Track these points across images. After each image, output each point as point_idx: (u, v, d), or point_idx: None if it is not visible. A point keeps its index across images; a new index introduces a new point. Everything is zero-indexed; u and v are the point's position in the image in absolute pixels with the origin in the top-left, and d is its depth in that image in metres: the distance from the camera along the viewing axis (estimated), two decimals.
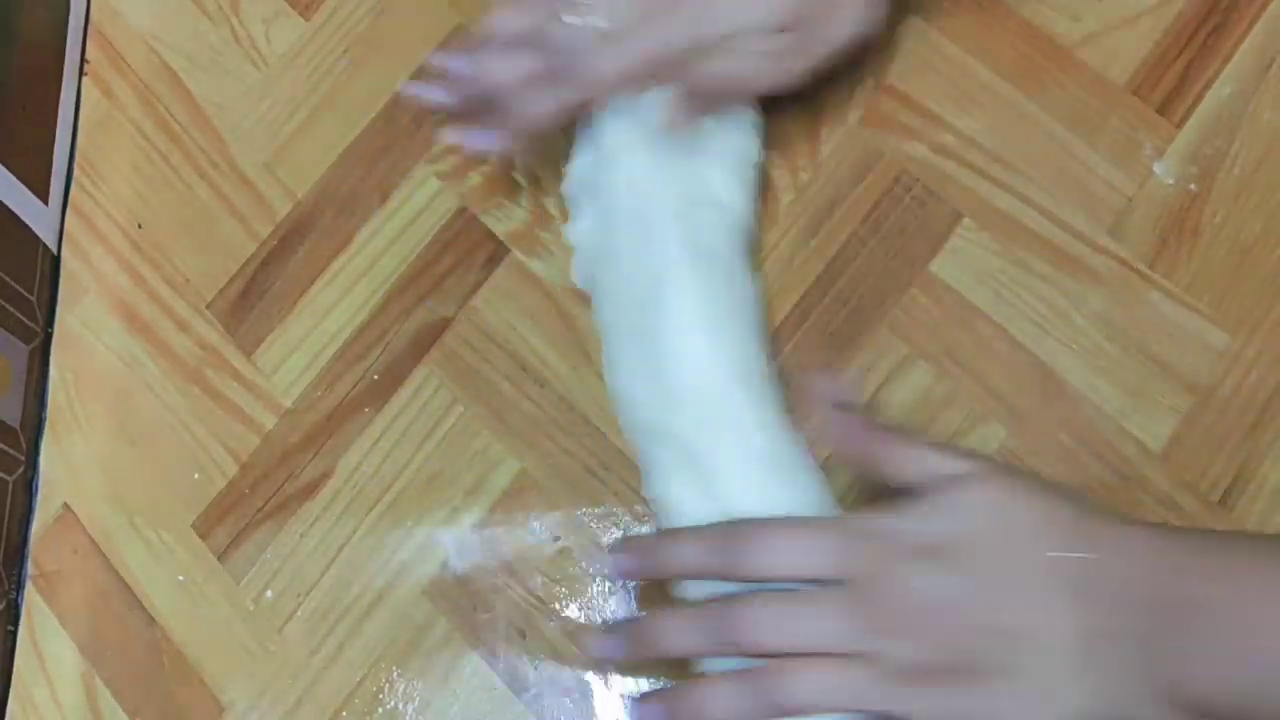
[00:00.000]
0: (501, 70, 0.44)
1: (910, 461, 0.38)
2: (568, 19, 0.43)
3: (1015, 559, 0.36)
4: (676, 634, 0.38)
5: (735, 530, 0.38)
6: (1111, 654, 0.34)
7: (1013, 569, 0.36)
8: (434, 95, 0.47)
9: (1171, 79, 0.47)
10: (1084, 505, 0.37)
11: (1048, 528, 0.36)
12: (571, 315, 0.48)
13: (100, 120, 0.54)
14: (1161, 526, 0.37)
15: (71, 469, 0.50)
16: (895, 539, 0.37)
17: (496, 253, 0.49)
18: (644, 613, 0.42)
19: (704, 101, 0.44)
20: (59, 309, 0.52)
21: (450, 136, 0.47)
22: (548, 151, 0.49)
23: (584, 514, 0.46)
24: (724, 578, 0.38)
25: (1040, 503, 0.37)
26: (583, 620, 0.44)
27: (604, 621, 0.44)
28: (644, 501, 0.45)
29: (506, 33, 0.45)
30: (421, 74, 0.49)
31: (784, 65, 0.43)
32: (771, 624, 0.37)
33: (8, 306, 0.48)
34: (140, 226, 0.52)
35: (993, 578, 0.36)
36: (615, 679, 0.44)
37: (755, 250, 0.46)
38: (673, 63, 0.42)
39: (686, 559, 0.39)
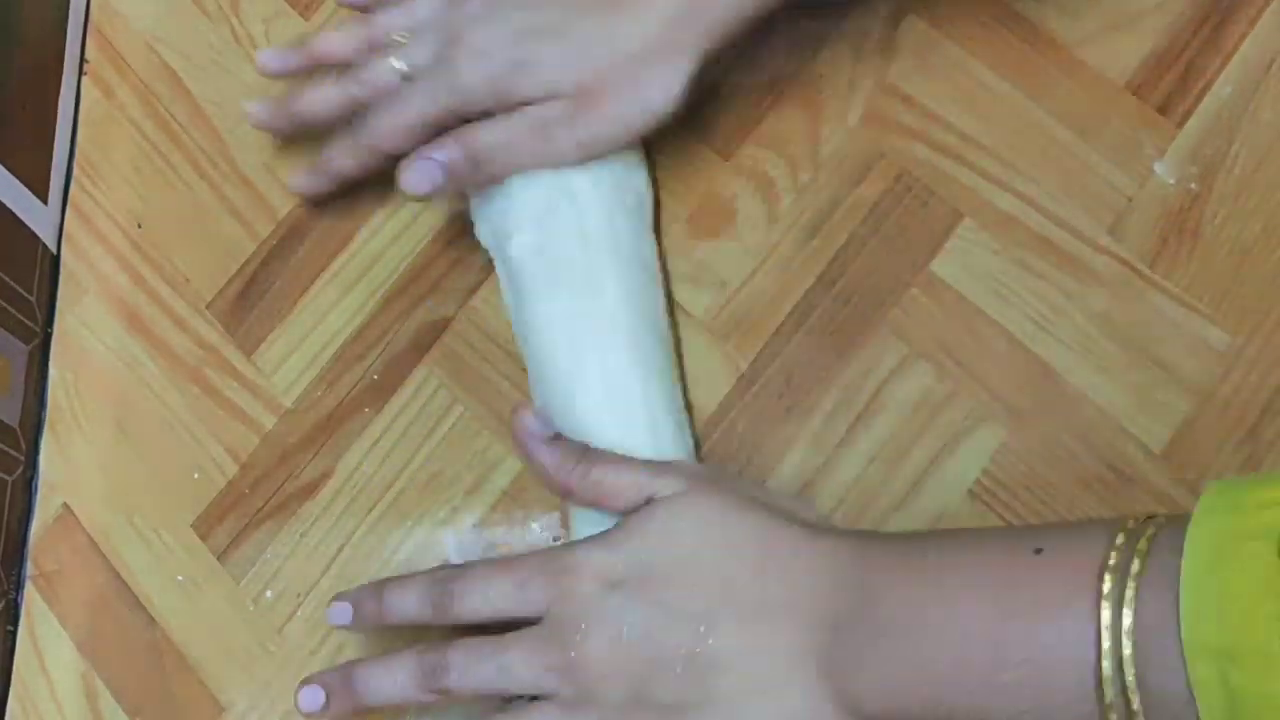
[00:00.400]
0: (310, 101, 0.47)
1: (612, 488, 0.38)
2: (380, 57, 0.45)
3: (705, 583, 0.36)
4: (382, 678, 0.38)
5: (446, 574, 0.39)
6: (801, 672, 0.34)
7: (702, 594, 0.36)
8: (260, 117, 0.49)
9: (1172, 79, 0.47)
10: (783, 518, 0.37)
11: (739, 547, 0.36)
12: None
13: (100, 120, 0.54)
14: (862, 536, 0.37)
15: (71, 469, 0.50)
16: (586, 570, 0.37)
17: None
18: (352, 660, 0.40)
19: (476, 168, 0.43)
20: (59, 309, 0.52)
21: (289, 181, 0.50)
22: None
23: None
24: (438, 623, 0.38)
25: (735, 519, 0.37)
26: None
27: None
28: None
29: (323, 55, 0.47)
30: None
31: (552, 138, 0.42)
32: (465, 667, 0.37)
33: (7, 306, 0.48)
34: (140, 226, 0.52)
35: (681, 605, 0.35)
36: None
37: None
38: (452, 123, 0.43)
39: (404, 606, 0.39)
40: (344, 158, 0.47)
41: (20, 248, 0.50)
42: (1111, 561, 0.30)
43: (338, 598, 0.41)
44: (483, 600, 0.38)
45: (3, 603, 0.47)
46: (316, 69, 0.48)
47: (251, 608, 0.47)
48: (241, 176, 0.52)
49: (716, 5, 0.41)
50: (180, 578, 0.47)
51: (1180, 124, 0.47)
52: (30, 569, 0.49)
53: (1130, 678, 0.28)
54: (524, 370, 0.47)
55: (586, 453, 0.40)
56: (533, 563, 0.38)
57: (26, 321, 0.50)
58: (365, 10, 0.48)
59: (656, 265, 0.46)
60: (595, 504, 0.39)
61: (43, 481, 0.50)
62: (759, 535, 0.36)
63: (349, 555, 0.46)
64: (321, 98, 0.47)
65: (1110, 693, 0.29)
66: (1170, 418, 0.44)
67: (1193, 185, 0.46)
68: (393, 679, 0.38)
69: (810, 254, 0.47)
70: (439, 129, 0.44)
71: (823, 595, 0.35)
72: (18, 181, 0.50)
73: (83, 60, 0.55)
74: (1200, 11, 0.48)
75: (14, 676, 0.47)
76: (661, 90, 0.42)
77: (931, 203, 0.47)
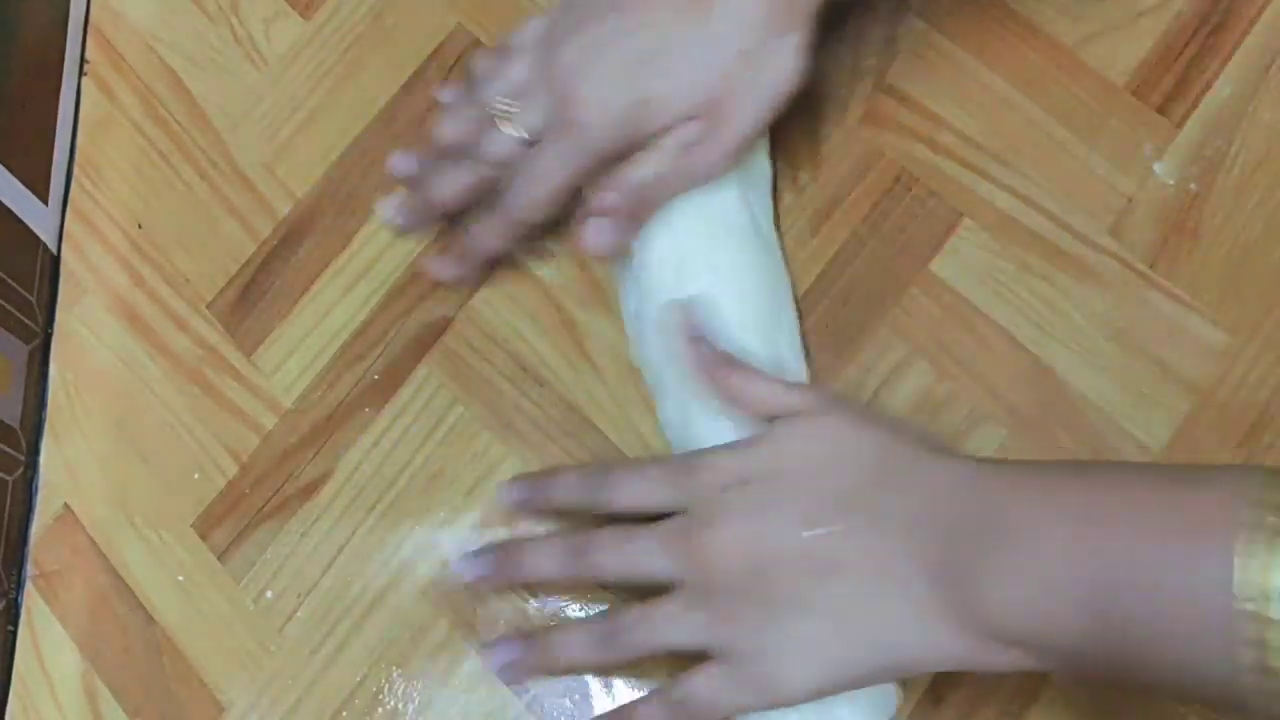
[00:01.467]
0: (441, 188, 0.46)
1: (748, 394, 0.40)
2: (498, 129, 0.44)
3: (828, 490, 0.37)
4: (536, 554, 0.42)
5: (605, 467, 0.42)
6: (915, 583, 0.35)
7: (827, 500, 0.37)
8: (399, 220, 0.48)
9: (1171, 79, 0.47)
10: (910, 438, 0.38)
11: (863, 460, 0.37)
12: (571, 315, 0.48)
13: (100, 120, 0.54)
14: (987, 461, 0.37)
15: (71, 469, 0.50)
16: (723, 470, 0.39)
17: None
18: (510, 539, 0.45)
19: (641, 209, 0.43)
20: (59, 309, 0.52)
21: (422, 264, 0.49)
22: None
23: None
24: (591, 510, 0.41)
25: (861, 435, 0.38)
26: (583, 620, 0.44)
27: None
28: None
29: (444, 144, 0.46)
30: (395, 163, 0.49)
31: (700, 158, 0.42)
32: (609, 547, 0.40)
33: (7, 306, 0.48)
34: (140, 226, 0.52)
35: (804, 508, 0.37)
36: (616, 681, 0.44)
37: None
38: (597, 173, 0.43)
39: (566, 493, 0.42)
40: (491, 238, 0.46)
41: (20, 248, 0.50)
42: (1260, 496, 0.30)
43: (502, 484, 0.44)
44: (638, 490, 0.40)
45: (3, 603, 0.47)
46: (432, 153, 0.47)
47: (251, 608, 0.47)
48: (241, 176, 0.52)
49: None
50: (180, 578, 0.47)
51: (1180, 124, 0.47)
52: (30, 569, 0.49)
53: (1276, 612, 0.28)
54: (523, 369, 0.47)
55: (730, 359, 0.41)
56: (678, 461, 0.41)
57: (26, 321, 0.50)
58: (462, 90, 0.47)
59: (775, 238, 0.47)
60: (731, 404, 0.41)
61: (43, 481, 0.50)
62: (882, 450, 0.38)
63: (349, 555, 0.46)
64: (452, 183, 0.46)
65: (1252, 628, 0.28)
66: (1170, 418, 0.44)
67: (1193, 185, 0.46)
68: (547, 556, 0.41)
69: (810, 254, 0.47)
70: (578, 187, 0.43)
71: (941, 510, 0.35)
72: (18, 181, 0.50)
73: (83, 60, 0.55)
74: (1200, 12, 0.48)
75: (14, 676, 0.47)
76: (783, 72, 0.41)
77: (931, 203, 0.47)
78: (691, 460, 0.40)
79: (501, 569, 0.43)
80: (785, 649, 0.36)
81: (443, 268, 0.48)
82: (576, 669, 0.43)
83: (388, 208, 0.48)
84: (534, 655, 0.42)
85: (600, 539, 0.40)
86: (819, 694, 0.36)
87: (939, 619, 0.35)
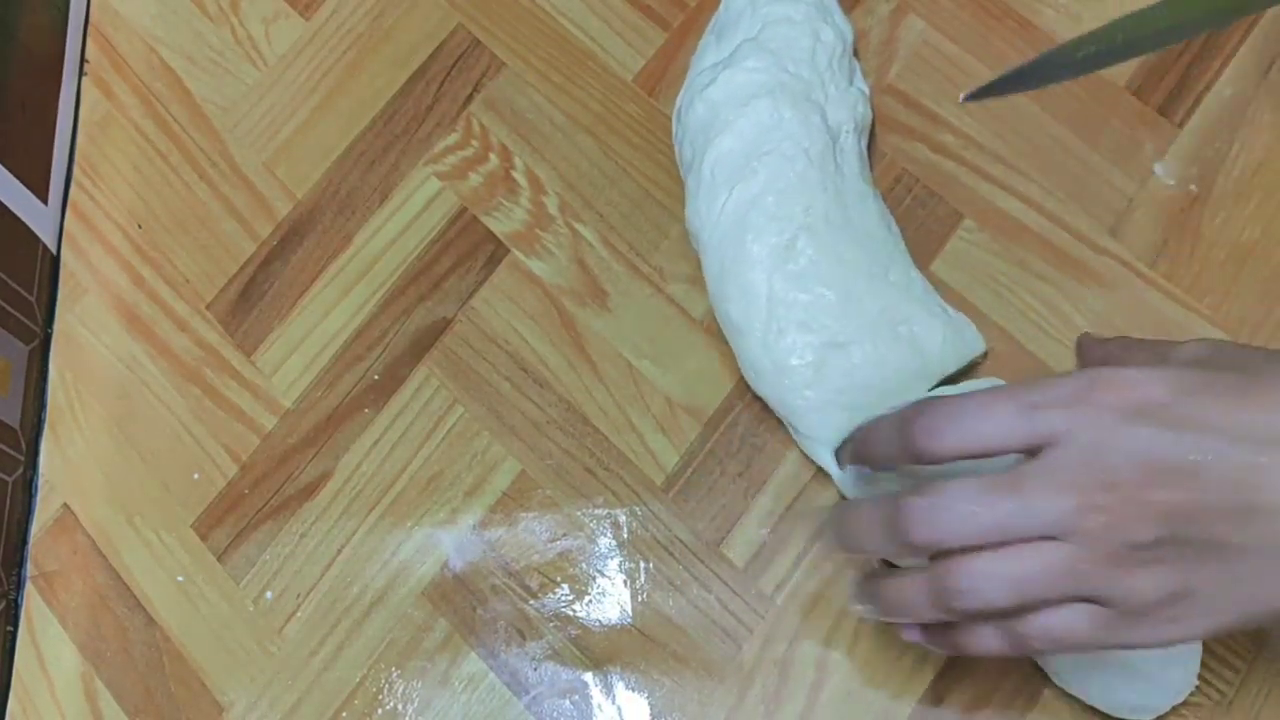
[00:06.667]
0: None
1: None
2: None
3: (1258, 419, 0.30)
4: (867, 530, 0.35)
5: (925, 405, 0.34)
6: None
7: (1262, 415, 0.30)
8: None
9: (1172, 80, 0.47)
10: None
11: None
12: (571, 315, 0.48)
13: (100, 120, 0.54)
14: None
15: (71, 469, 0.50)
16: (1112, 392, 0.31)
17: (496, 253, 0.49)
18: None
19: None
20: (59, 309, 0.52)
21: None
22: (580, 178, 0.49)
23: (584, 514, 0.46)
24: (915, 461, 0.34)
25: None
26: (583, 620, 0.44)
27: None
28: (643, 503, 0.45)
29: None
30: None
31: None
32: (976, 503, 0.32)
33: (7, 307, 0.48)
34: (140, 226, 0.52)
35: (1234, 427, 0.30)
36: (615, 680, 0.44)
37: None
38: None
39: (881, 447, 0.35)
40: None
41: (20, 248, 0.50)
42: None
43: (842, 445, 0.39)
44: (986, 424, 0.32)
45: (3, 603, 0.47)
46: None
47: (251, 608, 0.47)
48: (241, 176, 0.52)
49: None
50: (180, 578, 0.47)
51: (1181, 125, 0.47)
52: (30, 569, 0.49)
53: None
54: (523, 370, 0.47)
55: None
56: (1042, 386, 0.32)
57: (26, 321, 0.50)
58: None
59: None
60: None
61: (43, 481, 0.50)
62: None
63: (349, 556, 0.46)
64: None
65: None
66: None
67: (1193, 186, 0.46)
68: (950, 513, 0.32)
69: None
70: None
71: None
72: (18, 182, 0.50)
73: (83, 60, 0.55)
74: None
75: (14, 676, 0.47)
76: None
77: (931, 203, 0.47)
78: (1060, 385, 0.32)
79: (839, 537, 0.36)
80: (1210, 592, 0.31)
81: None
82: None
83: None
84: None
85: (952, 493, 0.32)
86: (1203, 638, 0.33)
87: None
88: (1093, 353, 0.40)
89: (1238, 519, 0.30)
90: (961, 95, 0.41)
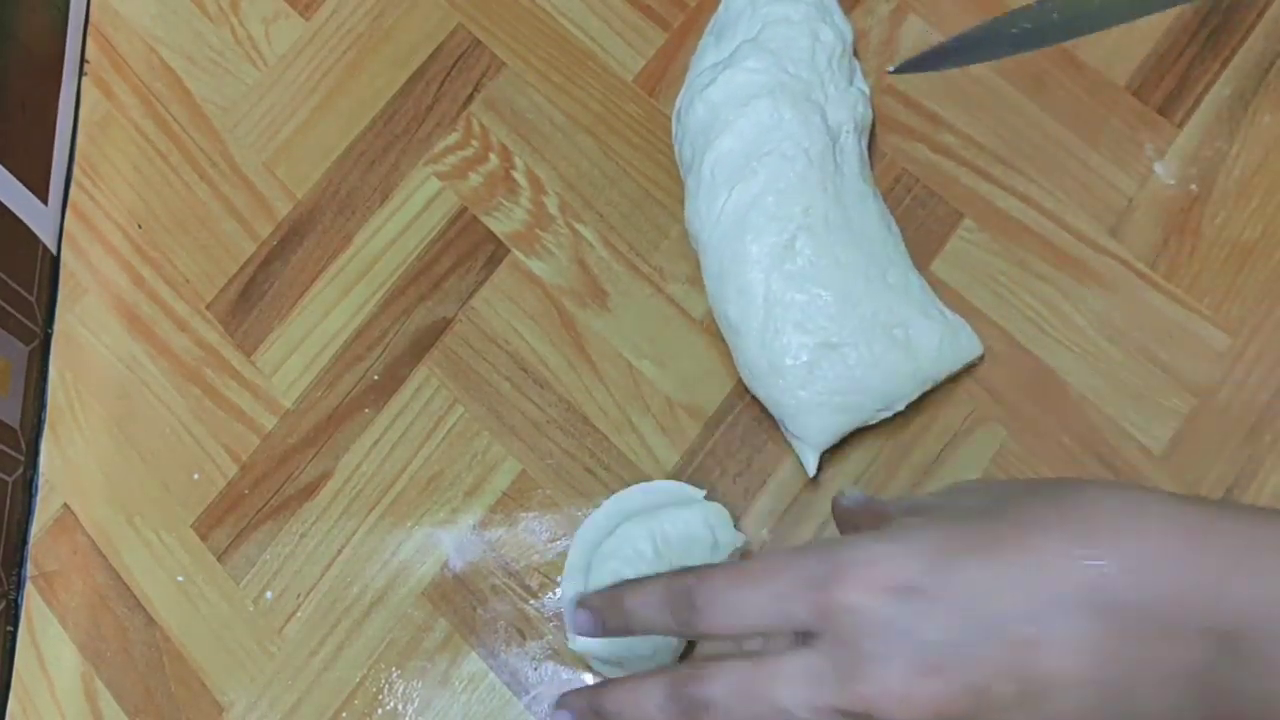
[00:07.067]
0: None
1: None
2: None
3: (1022, 577, 0.28)
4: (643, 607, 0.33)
5: (688, 583, 0.32)
6: (1161, 692, 0.27)
7: (1017, 592, 0.28)
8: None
9: (1172, 80, 0.47)
10: (1097, 493, 0.29)
11: (1062, 528, 0.28)
12: (571, 315, 0.48)
13: (100, 120, 0.54)
14: (1206, 515, 0.28)
15: (71, 469, 0.50)
16: (867, 576, 0.29)
17: (496, 253, 0.49)
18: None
19: None
20: (59, 309, 0.52)
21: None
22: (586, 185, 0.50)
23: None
24: (685, 636, 0.33)
25: (1053, 492, 0.29)
26: None
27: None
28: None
29: None
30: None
31: None
32: (728, 700, 0.30)
33: (7, 307, 0.48)
34: (140, 226, 0.52)
35: (999, 610, 0.28)
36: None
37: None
38: None
39: (648, 616, 0.33)
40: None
41: (20, 248, 0.50)
42: None
43: (577, 604, 0.35)
44: (732, 615, 0.30)
45: (3, 603, 0.47)
46: None
47: (251, 608, 0.47)
48: (241, 176, 0.52)
49: None
50: (180, 578, 0.47)
51: (1181, 125, 0.47)
52: (30, 569, 0.49)
53: None
54: (524, 370, 0.47)
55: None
56: (793, 569, 0.30)
57: (26, 322, 0.50)
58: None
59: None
60: None
61: (43, 481, 0.50)
62: (1085, 512, 0.28)
63: (349, 556, 0.46)
64: None
65: None
66: (1170, 418, 0.44)
67: (1193, 186, 0.46)
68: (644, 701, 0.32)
69: None
70: None
71: (1176, 596, 0.26)
72: (18, 182, 0.50)
73: (83, 60, 0.55)
74: (1200, 12, 0.48)
75: (14, 676, 0.47)
76: None
77: (931, 203, 0.47)
78: (813, 564, 0.30)
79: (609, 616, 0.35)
80: None
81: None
82: None
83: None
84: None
85: (711, 686, 0.30)
86: None
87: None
88: (841, 517, 0.37)
89: (1022, 703, 0.27)
90: (889, 68, 0.41)
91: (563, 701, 0.35)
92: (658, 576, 0.33)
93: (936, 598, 0.28)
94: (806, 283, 0.43)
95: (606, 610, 0.34)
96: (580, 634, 0.35)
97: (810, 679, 0.29)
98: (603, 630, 0.35)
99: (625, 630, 0.34)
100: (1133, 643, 0.27)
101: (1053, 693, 0.27)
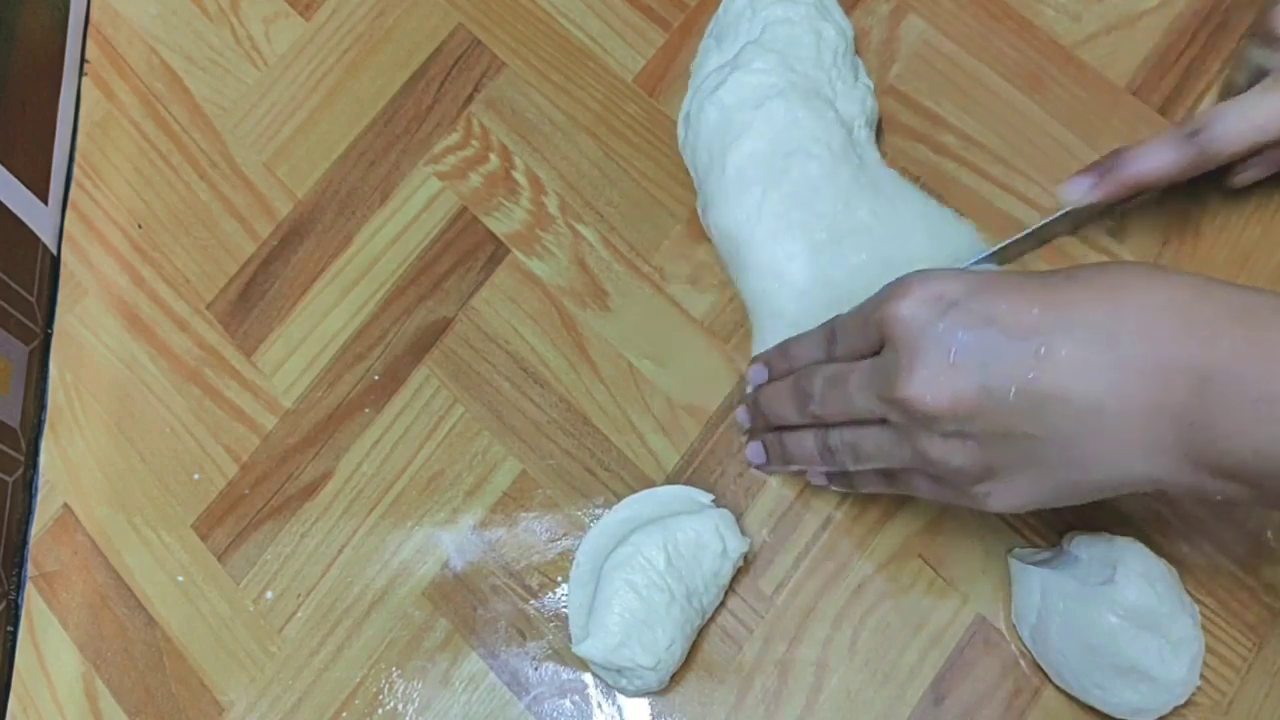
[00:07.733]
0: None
1: None
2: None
3: (1043, 300, 0.34)
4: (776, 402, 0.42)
5: (830, 323, 0.41)
6: (1145, 419, 0.32)
7: (1038, 311, 0.33)
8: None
9: (1172, 80, 0.47)
10: (1124, 266, 0.34)
11: (1088, 284, 0.34)
12: (572, 315, 0.48)
13: (100, 120, 0.54)
14: (1204, 284, 0.33)
15: (71, 469, 0.50)
16: (916, 291, 0.35)
17: (497, 253, 0.49)
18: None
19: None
20: (59, 309, 0.52)
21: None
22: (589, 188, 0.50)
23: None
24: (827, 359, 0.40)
25: (1087, 269, 0.35)
26: None
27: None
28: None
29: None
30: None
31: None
32: (822, 395, 0.39)
33: (8, 307, 0.48)
34: (140, 226, 0.52)
35: (1015, 322, 0.33)
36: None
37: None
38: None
39: (781, 409, 0.42)
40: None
41: (20, 248, 0.50)
42: None
43: (750, 437, 0.45)
44: (841, 347, 0.39)
45: (3, 603, 0.47)
46: None
47: (251, 608, 0.47)
48: (241, 176, 0.52)
49: None
50: (180, 578, 0.47)
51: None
52: (30, 569, 0.49)
53: None
54: (523, 370, 0.47)
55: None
56: (865, 304, 0.38)
57: (26, 322, 0.50)
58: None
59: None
60: None
61: (43, 481, 0.50)
62: (1109, 268, 0.34)
63: (349, 556, 0.46)
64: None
65: None
66: None
67: (1192, 186, 0.46)
68: (781, 401, 0.41)
69: None
70: None
71: (1174, 347, 0.32)
72: (18, 182, 0.50)
73: (83, 60, 0.55)
74: (1200, 12, 0.48)
75: (14, 676, 0.47)
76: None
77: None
78: (882, 291, 0.37)
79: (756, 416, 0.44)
80: (1011, 470, 0.34)
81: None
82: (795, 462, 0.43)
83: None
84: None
85: (814, 384, 0.39)
86: (1021, 510, 0.36)
87: (1167, 454, 0.32)
88: None
89: (1026, 410, 0.33)
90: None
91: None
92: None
93: (970, 311, 0.34)
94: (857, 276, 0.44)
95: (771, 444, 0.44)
96: (753, 461, 0.45)
97: (871, 376, 0.37)
98: (767, 460, 0.44)
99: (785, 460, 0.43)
100: (1132, 375, 0.32)
101: (1052, 404, 0.33)
